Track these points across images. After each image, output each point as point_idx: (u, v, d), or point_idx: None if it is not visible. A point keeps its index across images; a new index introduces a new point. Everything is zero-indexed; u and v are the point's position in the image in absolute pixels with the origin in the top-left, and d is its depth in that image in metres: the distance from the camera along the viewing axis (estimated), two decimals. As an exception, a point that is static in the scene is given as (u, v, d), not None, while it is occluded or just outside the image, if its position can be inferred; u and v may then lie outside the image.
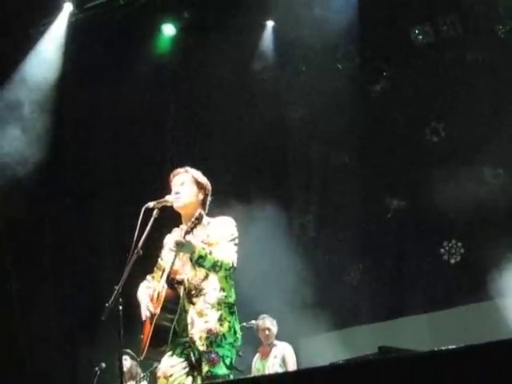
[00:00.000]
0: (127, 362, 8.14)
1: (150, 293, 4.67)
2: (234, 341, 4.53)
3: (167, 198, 4.68)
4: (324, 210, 10.46)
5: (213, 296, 4.52)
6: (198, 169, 4.87)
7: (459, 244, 9.42)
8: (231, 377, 4.52)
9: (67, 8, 9.98)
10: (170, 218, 4.82)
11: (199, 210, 4.62)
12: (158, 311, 4.48)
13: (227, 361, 4.47)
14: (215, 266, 4.47)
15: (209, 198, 4.80)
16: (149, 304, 4.57)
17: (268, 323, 8.12)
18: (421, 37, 9.77)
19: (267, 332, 8.09)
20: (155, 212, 4.58)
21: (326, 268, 10.09)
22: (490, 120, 9.22)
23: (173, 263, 4.58)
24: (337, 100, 9.97)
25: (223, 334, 4.46)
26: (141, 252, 4.45)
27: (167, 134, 10.93)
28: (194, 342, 4.47)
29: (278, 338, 8.18)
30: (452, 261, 9.47)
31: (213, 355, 4.42)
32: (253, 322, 7.99)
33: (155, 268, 4.87)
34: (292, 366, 7.91)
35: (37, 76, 9.80)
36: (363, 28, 9.85)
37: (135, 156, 10.62)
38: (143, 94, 10.44)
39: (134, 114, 10.51)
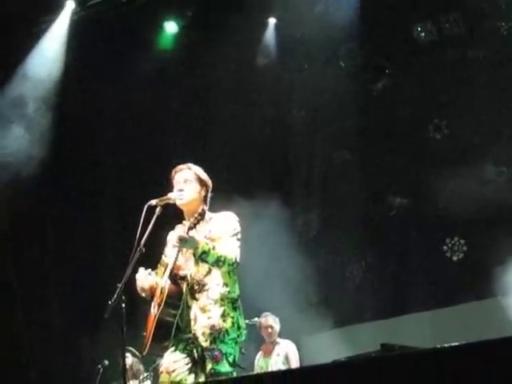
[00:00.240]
0: (128, 360, 8.12)
1: (151, 282, 4.64)
2: (238, 336, 4.52)
3: (170, 195, 4.68)
4: (327, 207, 10.46)
5: (216, 291, 4.51)
6: (200, 165, 4.85)
7: (462, 241, 9.42)
8: (234, 374, 4.52)
9: (69, 6, 10.01)
10: (173, 216, 4.82)
11: (202, 206, 4.63)
12: (161, 306, 4.47)
13: (230, 358, 4.46)
14: (218, 261, 4.47)
15: (209, 194, 4.80)
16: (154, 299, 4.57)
17: (271, 321, 8.10)
18: (423, 34, 9.76)
19: (270, 330, 8.07)
20: (158, 209, 4.58)
21: (329, 266, 10.09)
22: (492, 117, 9.21)
23: (176, 259, 4.58)
24: (339, 97, 9.97)
25: (226, 330, 4.46)
26: (143, 250, 4.44)
27: (170, 130, 10.93)
28: (196, 338, 4.48)
29: (280, 335, 8.16)
30: (455, 258, 9.46)
31: (216, 352, 4.42)
32: (255, 319, 7.98)
33: (158, 265, 4.86)
34: (295, 364, 7.89)
35: (39, 74, 9.82)
36: (365, 25, 9.82)
37: (138, 153, 10.62)
38: (146, 91, 10.44)
39: (136, 111, 10.51)
